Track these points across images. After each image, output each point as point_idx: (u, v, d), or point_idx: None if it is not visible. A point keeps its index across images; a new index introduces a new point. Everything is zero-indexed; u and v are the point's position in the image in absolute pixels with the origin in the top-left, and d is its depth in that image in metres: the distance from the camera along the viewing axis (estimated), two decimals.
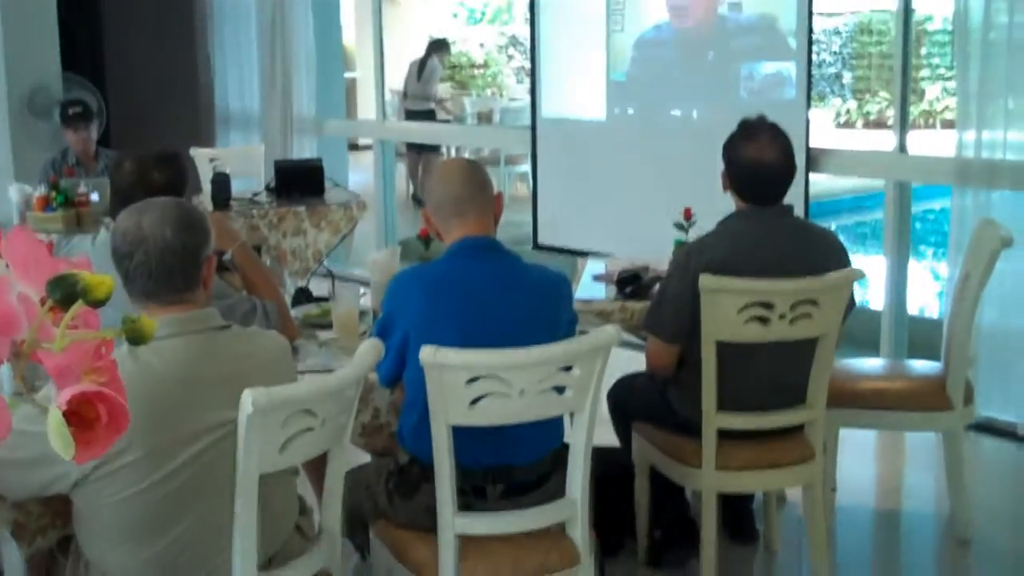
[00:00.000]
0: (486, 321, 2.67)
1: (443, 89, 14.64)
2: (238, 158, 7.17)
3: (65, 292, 0.81)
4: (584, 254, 6.28)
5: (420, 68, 11.18)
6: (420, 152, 11.05)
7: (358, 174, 10.06)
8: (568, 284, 2.88)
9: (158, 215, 2.31)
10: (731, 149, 3.29)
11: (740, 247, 3.20)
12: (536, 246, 6.64)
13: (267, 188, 6.33)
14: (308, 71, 7.87)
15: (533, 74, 6.55)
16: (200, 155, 6.96)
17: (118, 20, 9.19)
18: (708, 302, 3.10)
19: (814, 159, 5.39)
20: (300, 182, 6.23)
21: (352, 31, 15.73)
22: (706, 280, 3.09)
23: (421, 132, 9.29)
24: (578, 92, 6.30)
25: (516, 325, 2.69)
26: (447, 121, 11.49)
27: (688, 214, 4.04)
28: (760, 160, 3.20)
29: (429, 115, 10.89)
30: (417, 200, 11.37)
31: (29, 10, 7.58)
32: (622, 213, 6.11)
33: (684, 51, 5.81)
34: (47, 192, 5.42)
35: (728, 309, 3.08)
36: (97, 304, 0.85)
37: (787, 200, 3.30)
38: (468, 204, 2.78)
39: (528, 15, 6.56)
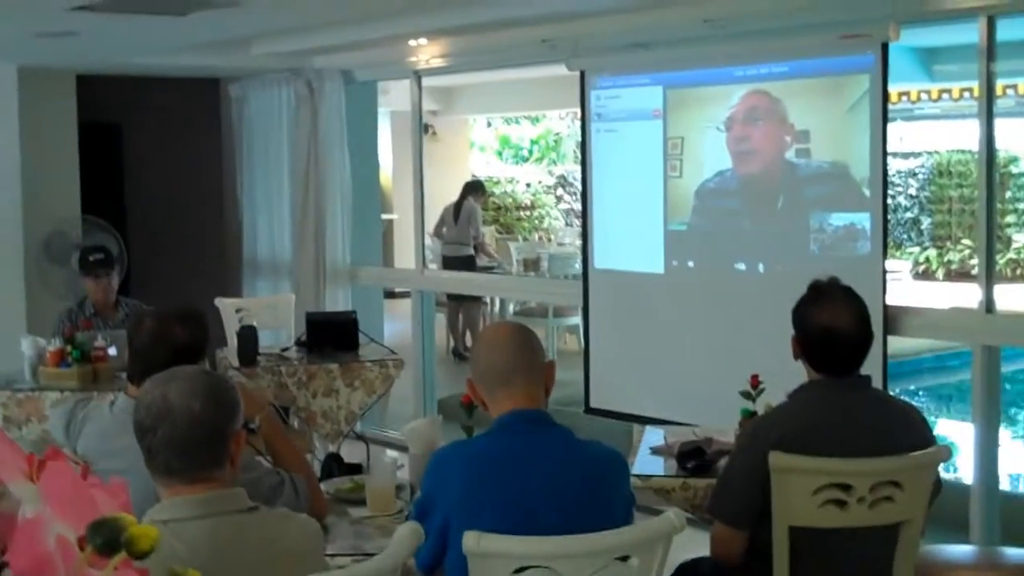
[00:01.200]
0: (535, 503, 2.67)
1: (486, 233, 14.86)
2: (267, 309, 7.30)
3: (107, 539, 0.82)
4: (640, 420, 6.27)
5: (456, 211, 11.40)
6: (461, 302, 11.18)
7: (394, 323, 10.14)
8: (624, 462, 2.89)
9: (186, 386, 2.34)
10: (801, 315, 3.32)
11: (814, 422, 3.20)
12: (588, 409, 6.63)
13: (297, 342, 6.42)
14: (343, 215, 8.06)
15: (584, 222, 6.65)
16: (226, 305, 7.08)
17: (141, 160, 9.45)
18: (779, 483, 3.09)
19: (892, 320, 5.37)
20: (333, 336, 6.31)
21: (388, 167, 16.02)
22: (777, 458, 3.08)
23: (463, 283, 9.41)
24: (634, 242, 6.38)
25: (567, 508, 2.68)
26: (490, 269, 11.62)
27: (755, 382, 4.04)
28: (833, 328, 3.22)
29: (468, 261, 11.06)
30: (457, 355, 11.43)
31: (50, 151, 7.85)
32: (683, 376, 6.11)
33: (749, 200, 5.87)
34: (62, 346, 5.51)
35: (801, 491, 3.06)
36: (142, 557, 0.86)
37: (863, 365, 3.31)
38: (516, 374, 2.81)
39: (578, 157, 6.68)
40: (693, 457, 3.86)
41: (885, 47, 5.27)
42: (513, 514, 2.63)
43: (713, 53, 6.04)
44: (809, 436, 3.14)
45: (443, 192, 12.58)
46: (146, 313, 3.39)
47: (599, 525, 2.56)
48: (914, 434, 3.23)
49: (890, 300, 5.41)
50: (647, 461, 4.03)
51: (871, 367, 5.08)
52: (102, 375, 5.46)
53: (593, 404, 6.62)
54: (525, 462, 2.73)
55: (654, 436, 4.36)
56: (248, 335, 5.98)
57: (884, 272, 5.39)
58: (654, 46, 6.34)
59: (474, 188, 11.85)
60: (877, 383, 5.17)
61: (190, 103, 9.28)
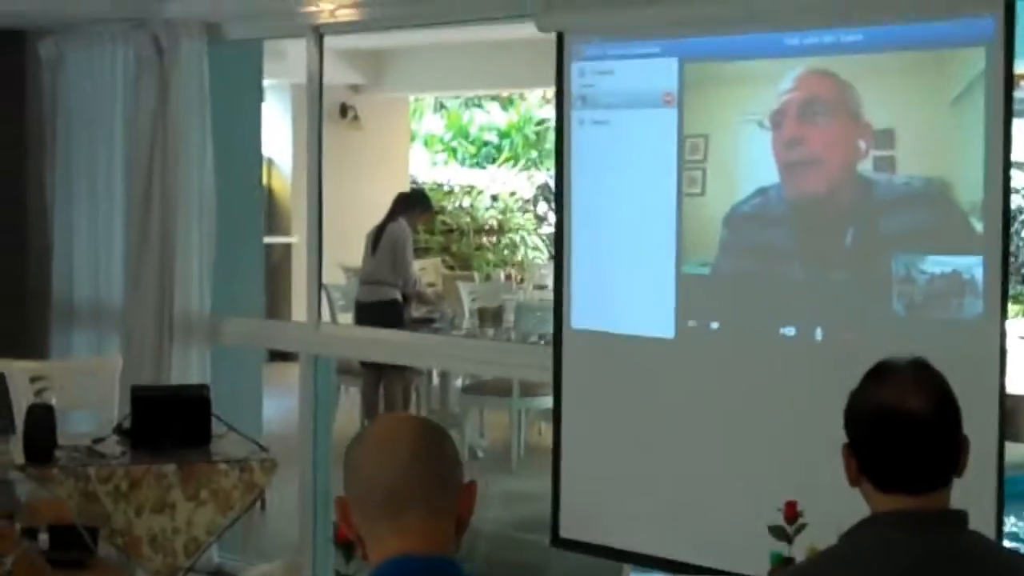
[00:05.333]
0: None
1: (420, 268, 14.74)
2: (79, 379, 7.21)
3: None
4: (634, 559, 6.17)
5: (376, 237, 11.32)
6: (381, 371, 11.05)
7: (284, 397, 9.97)
8: None
9: None
10: (854, 401, 3.20)
11: None
12: (557, 540, 6.52)
13: (117, 430, 6.31)
14: (203, 239, 7.97)
15: (559, 259, 6.57)
16: (16, 372, 6.96)
17: None
18: None
19: (1013, 417, 5.28)
20: (172, 422, 6.24)
21: (287, 167, 15.98)
22: None
23: (377, 344, 9.24)
24: (630, 291, 6.30)
25: None
26: (428, 321, 11.51)
27: (792, 512, 3.95)
28: (898, 409, 3.09)
29: (390, 309, 10.99)
30: None
31: None
32: (699, 497, 6.00)
33: (803, 233, 5.80)
34: None
35: None
36: None
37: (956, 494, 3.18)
38: (412, 501, 2.68)
39: (554, 164, 6.59)
40: None
41: (1011, 7, 5.21)
42: None
43: (755, 11, 5.95)
44: None
45: (370, 204, 12.50)
46: None
47: None
48: None
49: (1013, 386, 5.32)
50: None
51: (979, 488, 5.05)
52: None
53: (565, 533, 6.51)
54: None
55: None
56: (40, 419, 5.91)
57: (1004, 343, 5.31)
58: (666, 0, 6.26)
59: (410, 203, 11.74)
60: (990, 511, 5.13)
61: None
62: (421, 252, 16.84)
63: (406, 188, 14.12)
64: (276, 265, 15.27)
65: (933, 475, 3.11)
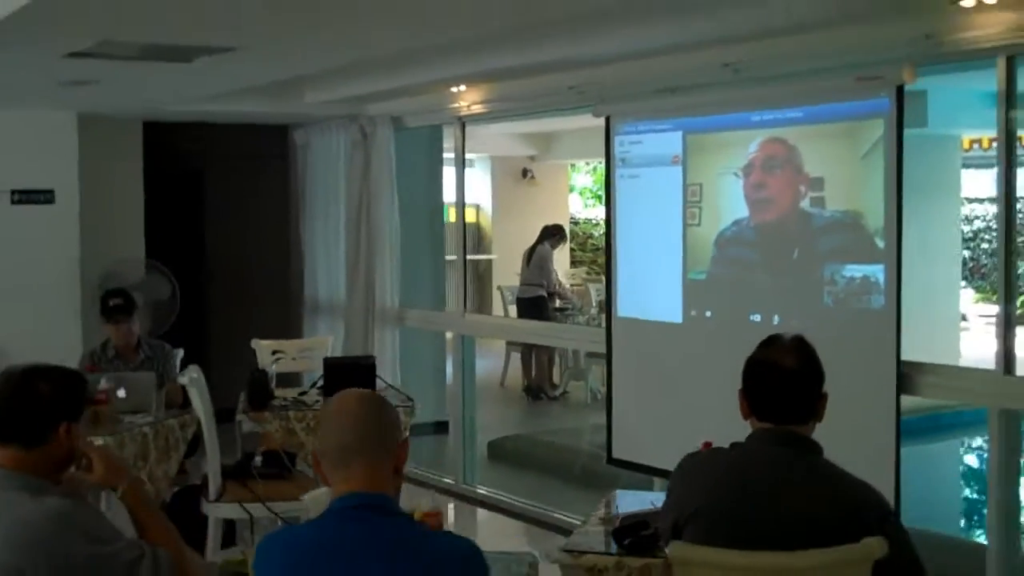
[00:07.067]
0: None
1: (571, 274, 14.43)
2: (302, 351, 7.07)
3: None
4: (661, 473, 5.78)
5: (529, 255, 11.09)
6: (532, 344, 10.73)
7: (484, 359, 9.67)
8: (479, 559, 2.37)
9: None
10: (748, 360, 2.99)
11: (725, 478, 2.84)
12: (611, 459, 6.16)
13: (313, 386, 6.12)
14: (391, 258, 7.76)
15: (608, 269, 6.21)
16: (262, 348, 6.83)
17: (221, 205, 9.29)
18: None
19: (907, 378, 4.78)
20: (350, 381, 5.82)
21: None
22: (676, 550, 2.59)
23: (500, 327, 9.06)
24: (654, 291, 5.91)
25: None
26: (564, 310, 11.15)
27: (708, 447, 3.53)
28: (774, 363, 2.90)
29: (537, 303, 10.64)
30: (530, 393, 10.99)
31: (116, 195, 7.71)
32: (698, 429, 5.51)
33: (765, 250, 5.36)
34: None
35: None
36: None
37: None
38: (355, 454, 2.39)
39: (604, 202, 6.25)
40: (631, 533, 3.35)
41: (900, 90, 4.72)
42: None
43: (731, 97, 5.56)
44: (714, 499, 2.82)
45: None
46: (15, 367, 2.90)
47: None
48: (852, 520, 2.69)
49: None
50: (590, 533, 3.56)
51: (883, 429, 4.59)
52: (103, 418, 5.17)
53: (615, 454, 6.15)
54: (346, 556, 2.28)
55: (628, 500, 3.90)
56: (258, 379, 5.78)
57: (899, 325, 4.80)
58: (676, 91, 5.83)
59: (550, 233, 11.40)
60: (889, 442, 4.67)
61: (263, 150, 9.14)
62: (576, 263, 16.59)
63: (567, 224, 13.76)
64: (482, 274, 15.06)
65: (794, 412, 2.88)
